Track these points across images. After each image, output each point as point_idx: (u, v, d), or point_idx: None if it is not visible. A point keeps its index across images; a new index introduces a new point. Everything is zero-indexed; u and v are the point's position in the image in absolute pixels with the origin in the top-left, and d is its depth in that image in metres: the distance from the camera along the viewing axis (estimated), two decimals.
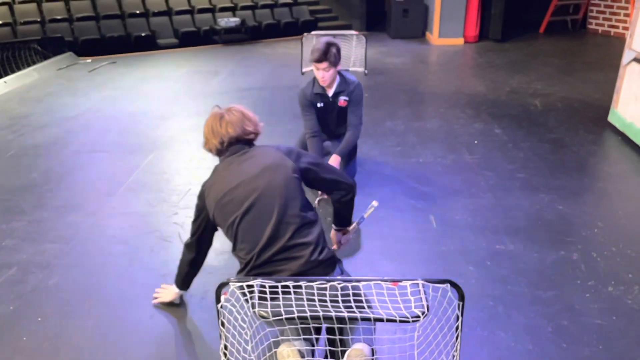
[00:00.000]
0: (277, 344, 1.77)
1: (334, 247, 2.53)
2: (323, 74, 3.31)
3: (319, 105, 3.49)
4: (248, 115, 2.19)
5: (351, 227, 2.51)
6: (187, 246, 2.28)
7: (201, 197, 2.13)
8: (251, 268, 1.95)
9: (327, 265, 1.99)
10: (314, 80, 3.47)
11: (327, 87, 3.43)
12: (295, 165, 2.06)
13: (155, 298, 2.47)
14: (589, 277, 2.60)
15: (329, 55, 3.23)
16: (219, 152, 2.14)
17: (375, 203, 2.51)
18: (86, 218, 3.33)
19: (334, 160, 3.40)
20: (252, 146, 2.15)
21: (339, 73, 3.43)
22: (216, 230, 2.19)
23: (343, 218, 2.41)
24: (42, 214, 3.42)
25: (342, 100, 3.46)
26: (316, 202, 3.30)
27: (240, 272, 2.01)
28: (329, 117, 3.55)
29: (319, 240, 2.00)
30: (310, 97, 3.48)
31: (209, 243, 2.27)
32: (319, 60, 3.25)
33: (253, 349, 1.78)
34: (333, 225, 2.48)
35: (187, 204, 3.44)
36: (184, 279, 2.36)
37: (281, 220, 1.95)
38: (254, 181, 1.99)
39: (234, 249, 2.04)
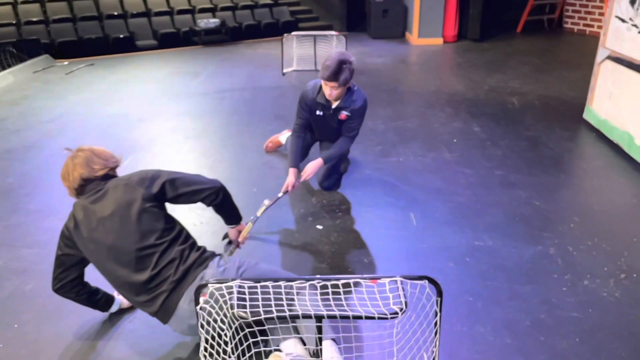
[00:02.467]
0: (256, 345, 1.77)
1: (233, 246, 2.54)
2: (331, 91, 3.11)
3: (317, 112, 3.32)
4: (96, 152, 2.16)
5: (246, 228, 2.52)
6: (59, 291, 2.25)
7: (65, 238, 2.12)
8: (130, 300, 2.11)
9: (198, 265, 2.04)
10: (320, 88, 3.25)
11: (332, 100, 3.25)
12: (147, 193, 2.05)
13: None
14: (565, 271, 2.65)
15: (339, 76, 3.00)
16: (78, 194, 2.15)
17: (267, 202, 2.54)
18: (63, 223, 3.27)
19: (315, 164, 3.28)
20: (108, 180, 2.13)
21: (348, 87, 3.23)
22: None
23: (229, 216, 2.41)
24: (19, 218, 3.36)
25: (344, 114, 3.28)
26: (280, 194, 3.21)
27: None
28: (327, 126, 3.41)
29: (183, 252, 2.05)
30: (310, 102, 3.30)
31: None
32: (328, 79, 3.03)
33: (233, 350, 1.78)
34: (227, 225, 2.48)
35: (166, 205, 3.40)
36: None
37: (142, 257, 2.01)
38: (109, 222, 2.02)
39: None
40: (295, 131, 3.44)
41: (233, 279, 1.68)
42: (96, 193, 2.09)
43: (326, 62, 3.03)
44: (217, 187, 2.22)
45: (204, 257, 2.08)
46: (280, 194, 3.15)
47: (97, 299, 2.32)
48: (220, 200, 2.23)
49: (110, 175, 2.16)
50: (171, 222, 2.12)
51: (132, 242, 2.00)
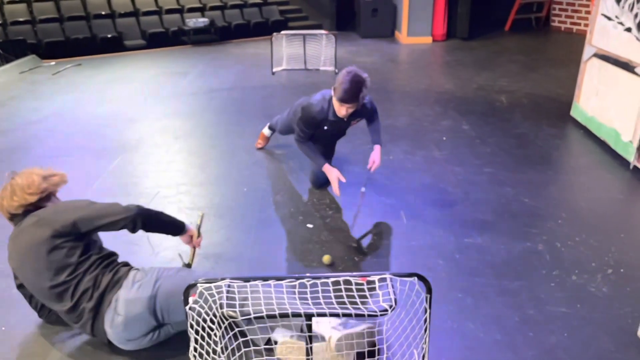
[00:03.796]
0: (246, 344, 1.77)
1: (191, 250, 2.47)
2: (347, 111, 3.02)
3: (325, 127, 3.24)
4: (20, 186, 2.14)
5: (197, 239, 2.43)
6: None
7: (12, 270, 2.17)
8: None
9: (112, 287, 2.05)
10: (330, 104, 3.12)
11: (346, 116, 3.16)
12: (58, 231, 2.03)
13: None
14: (553, 267, 2.67)
15: (359, 97, 2.94)
16: (11, 221, 2.18)
17: (200, 213, 2.50)
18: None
19: (378, 151, 3.29)
20: (27, 215, 2.12)
21: None
22: None
23: (167, 232, 2.33)
24: (3, 221, 3.30)
25: (355, 121, 3.24)
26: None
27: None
28: (332, 136, 3.35)
29: (96, 278, 2.05)
30: (319, 120, 3.17)
31: None
32: (349, 102, 2.93)
33: (222, 349, 1.77)
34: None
35: (155, 206, 3.37)
36: None
37: (57, 293, 2.03)
38: (26, 260, 2.06)
39: None
40: (303, 139, 3.28)
41: (222, 278, 1.67)
42: (18, 226, 2.11)
43: (342, 85, 2.89)
44: (132, 216, 2.08)
45: (117, 277, 2.07)
46: (337, 191, 3.19)
47: None
48: (142, 226, 2.13)
49: (30, 210, 2.13)
50: (87, 251, 2.09)
51: (45, 279, 2.02)
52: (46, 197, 2.17)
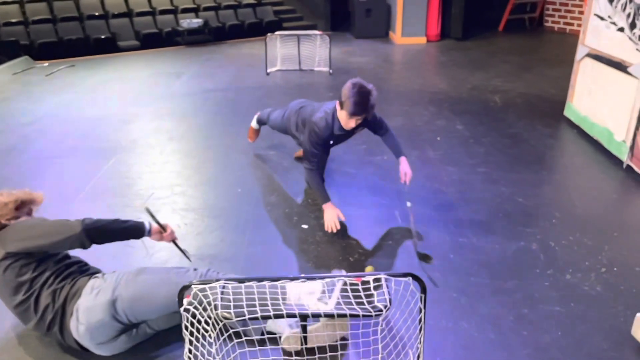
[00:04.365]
0: (241, 345, 1.77)
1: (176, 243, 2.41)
2: (356, 122, 2.93)
3: (331, 142, 3.17)
4: None
5: (167, 232, 2.35)
6: None
7: None
8: None
9: (71, 298, 2.05)
10: (334, 118, 3.03)
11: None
12: (8, 253, 2.02)
13: None
14: (547, 266, 2.69)
15: (369, 108, 2.87)
16: None
17: (145, 204, 2.38)
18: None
19: (406, 162, 3.18)
20: None
21: None
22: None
23: (121, 239, 2.23)
24: None
25: (358, 130, 3.17)
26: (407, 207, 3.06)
27: None
28: (336, 147, 3.30)
29: (54, 293, 2.06)
30: (325, 137, 3.07)
31: None
32: (362, 113, 2.87)
33: (217, 350, 1.77)
34: None
35: (150, 208, 3.37)
36: None
37: (21, 312, 2.06)
38: None
39: None
40: (316, 169, 3.14)
41: (217, 280, 1.67)
42: None
43: (351, 99, 2.82)
44: (76, 235, 2.00)
45: (76, 288, 2.07)
46: (330, 229, 3.02)
47: None
48: (92, 241, 2.06)
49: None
50: (41, 266, 2.07)
51: (8, 301, 2.07)
52: (14, 218, 2.15)
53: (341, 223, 3.06)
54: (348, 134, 3.18)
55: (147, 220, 2.27)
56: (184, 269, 2.16)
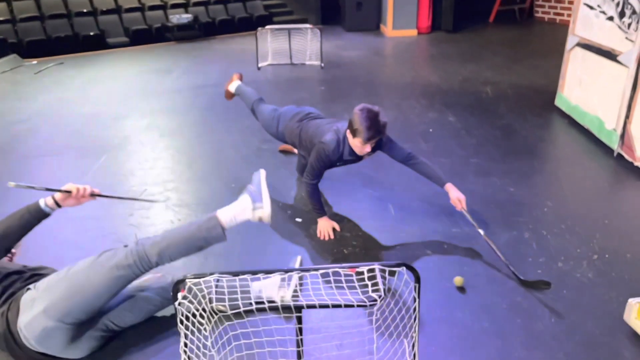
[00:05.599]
0: (236, 338, 1.77)
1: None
2: (370, 146, 2.86)
3: (337, 164, 3.13)
4: None
5: (77, 191, 2.30)
6: None
7: None
8: None
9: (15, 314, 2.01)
10: (344, 144, 2.95)
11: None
12: None
13: None
14: (540, 254, 2.71)
15: (382, 128, 2.82)
16: None
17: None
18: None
19: (453, 188, 2.94)
20: None
21: None
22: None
23: (28, 230, 2.21)
24: None
25: (369, 155, 3.08)
26: None
27: None
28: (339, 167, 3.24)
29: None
30: (335, 161, 3.03)
31: None
32: (374, 137, 2.80)
33: (213, 344, 1.77)
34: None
35: (142, 204, 3.36)
36: None
37: None
38: None
39: None
40: (316, 183, 3.09)
41: (211, 273, 1.66)
42: None
43: (362, 125, 2.75)
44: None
45: (15, 308, 2.02)
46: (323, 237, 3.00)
47: None
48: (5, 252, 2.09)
49: None
50: None
51: None
52: None
53: (332, 219, 3.06)
54: (357, 159, 3.11)
55: (42, 199, 2.19)
56: (112, 250, 2.10)
